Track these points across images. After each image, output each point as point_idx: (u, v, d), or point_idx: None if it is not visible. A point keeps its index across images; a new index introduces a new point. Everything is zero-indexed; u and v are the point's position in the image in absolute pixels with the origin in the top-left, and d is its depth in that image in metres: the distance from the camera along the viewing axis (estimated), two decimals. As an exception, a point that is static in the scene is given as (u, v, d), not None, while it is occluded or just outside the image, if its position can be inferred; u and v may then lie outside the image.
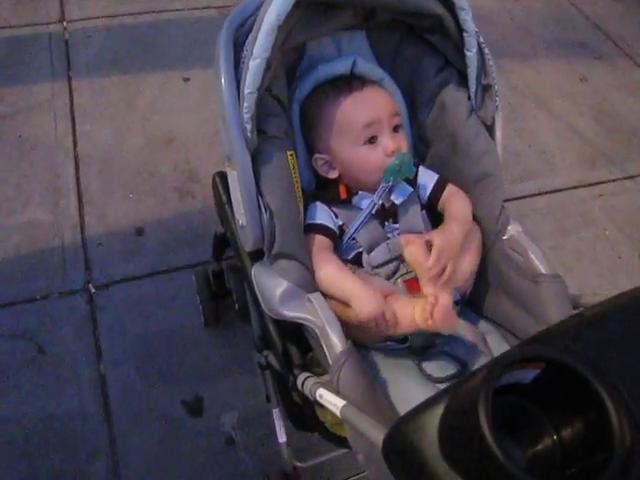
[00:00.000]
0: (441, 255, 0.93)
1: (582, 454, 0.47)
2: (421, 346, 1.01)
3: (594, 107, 2.43)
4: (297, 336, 0.99)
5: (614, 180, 2.22)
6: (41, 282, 1.66)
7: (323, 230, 1.01)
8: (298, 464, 1.33)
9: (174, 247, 1.80)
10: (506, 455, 0.43)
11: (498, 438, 0.43)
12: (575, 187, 2.18)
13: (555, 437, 0.50)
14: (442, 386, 0.94)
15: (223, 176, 1.10)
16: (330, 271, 0.95)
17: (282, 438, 1.30)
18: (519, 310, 0.99)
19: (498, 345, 1.01)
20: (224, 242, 1.43)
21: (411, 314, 0.91)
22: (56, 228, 1.78)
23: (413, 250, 0.94)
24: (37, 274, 1.68)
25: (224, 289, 1.56)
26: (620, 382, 0.46)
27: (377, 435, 0.57)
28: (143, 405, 1.49)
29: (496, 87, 1.03)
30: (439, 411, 0.49)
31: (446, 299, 0.90)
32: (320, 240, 1.00)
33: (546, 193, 2.15)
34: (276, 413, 1.29)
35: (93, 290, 1.67)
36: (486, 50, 1.02)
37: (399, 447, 0.51)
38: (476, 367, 0.97)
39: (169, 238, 1.82)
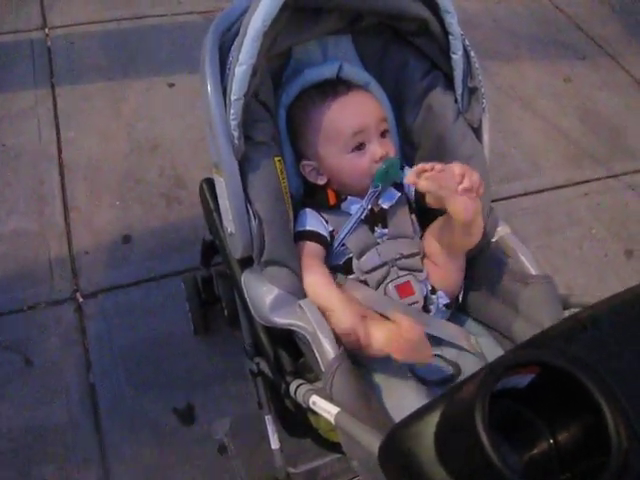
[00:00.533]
0: (463, 170, 0.86)
1: (579, 458, 0.47)
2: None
3: (578, 107, 2.45)
4: (288, 342, 0.99)
5: (599, 179, 2.23)
6: (28, 292, 1.64)
7: (314, 237, 1.01)
8: (291, 470, 1.33)
9: (162, 254, 1.78)
10: (503, 461, 0.43)
11: (495, 444, 0.43)
12: (561, 187, 2.20)
13: (551, 441, 0.50)
14: (435, 389, 0.94)
15: (210, 183, 1.10)
16: (314, 281, 0.95)
17: (275, 445, 1.29)
18: (510, 312, 0.99)
19: (490, 347, 1.01)
20: (212, 248, 1.42)
21: (382, 338, 0.87)
22: (42, 237, 1.76)
23: (434, 177, 0.87)
24: (23, 284, 1.66)
25: (213, 296, 1.55)
26: (616, 385, 0.46)
27: (372, 442, 0.57)
28: (134, 414, 1.47)
29: (482, 89, 1.04)
30: (435, 418, 0.49)
31: (412, 331, 0.83)
32: (310, 247, 1.00)
33: (532, 193, 2.16)
34: (268, 420, 1.29)
35: (81, 299, 1.65)
36: (472, 53, 1.03)
37: (395, 454, 0.51)
38: (468, 370, 0.97)
39: (157, 245, 1.80)
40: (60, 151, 1.97)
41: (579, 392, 0.46)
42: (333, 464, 1.43)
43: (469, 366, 0.98)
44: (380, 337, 0.87)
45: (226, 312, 1.46)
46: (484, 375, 0.46)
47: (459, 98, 1.05)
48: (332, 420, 0.74)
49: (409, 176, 0.89)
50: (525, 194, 2.15)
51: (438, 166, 0.87)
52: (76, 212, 1.84)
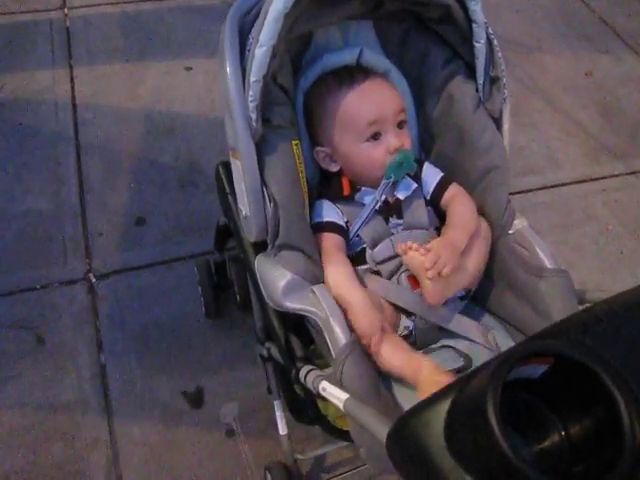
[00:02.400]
0: (438, 256, 0.91)
1: (591, 451, 0.46)
2: (424, 338, 1.00)
3: (599, 102, 2.41)
4: (300, 328, 0.98)
5: (617, 175, 2.20)
6: (41, 271, 1.66)
7: (334, 228, 1.00)
8: (299, 456, 1.33)
9: (175, 238, 1.79)
10: (514, 450, 0.42)
11: (506, 433, 0.43)
12: (578, 182, 2.17)
13: (563, 433, 0.49)
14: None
15: (227, 166, 1.09)
16: (337, 275, 0.94)
17: (283, 430, 1.30)
18: (524, 305, 0.98)
19: (503, 340, 1.00)
20: (226, 232, 1.42)
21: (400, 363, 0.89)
22: (57, 217, 1.77)
23: (412, 255, 0.93)
24: (37, 263, 1.67)
25: (226, 280, 1.55)
26: (630, 378, 0.45)
27: (381, 429, 0.57)
28: (143, 396, 1.48)
29: (504, 79, 1.02)
30: (445, 406, 0.48)
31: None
32: (332, 239, 0.99)
33: (549, 187, 2.14)
34: (277, 405, 1.29)
35: (94, 280, 1.66)
36: (495, 42, 1.01)
37: (404, 442, 0.51)
38: (480, 361, 0.96)
39: (170, 228, 1.81)
40: (77, 132, 1.98)
41: (593, 385, 0.45)
42: (341, 452, 1.44)
43: (481, 358, 0.97)
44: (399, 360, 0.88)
45: (238, 297, 1.46)
46: (497, 364, 0.45)
47: (480, 87, 1.04)
48: (341, 406, 0.73)
49: (398, 244, 0.97)
50: (542, 188, 2.13)
51: (422, 250, 0.92)
52: (91, 193, 1.85)
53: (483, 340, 1.00)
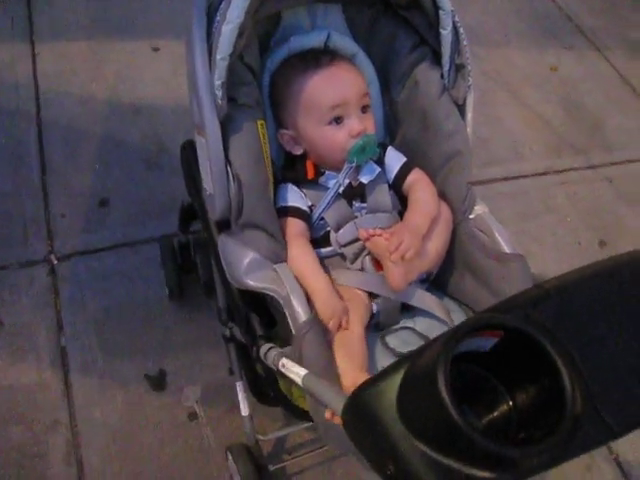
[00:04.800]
0: (401, 241, 0.93)
1: (536, 418, 0.49)
2: (387, 320, 1.02)
3: (563, 97, 2.47)
4: (262, 308, 0.99)
5: (577, 169, 2.26)
6: (0, 252, 1.62)
7: (298, 213, 1.01)
8: (260, 437, 1.34)
9: (139, 220, 1.77)
10: (463, 417, 0.44)
11: (455, 400, 0.44)
12: (540, 174, 2.22)
13: (511, 403, 0.51)
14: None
15: (192, 145, 1.09)
16: (300, 259, 0.95)
17: (245, 411, 1.30)
18: (483, 289, 1.01)
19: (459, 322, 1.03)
20: (191, 213, 1.42)
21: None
22: (17, 197, 1.73)
23: (376, 240, 0.95)
24: (-4, 243, 1.63)
25: (190, 262, 1.54)
26: (574, 350, 0.47)
27: (338, 403, 0.58)
28: (104, 378, 1.47)
29: (469, 67, 1.04)
30: (398, 378, 0.50)
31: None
32: (295, 224, 1.00)
33: (511, 179, 2.18)
34: (239, 386, 1.30)
35: (55, 261, 1.63)
36: (461, 29, 1.02)
37: (358, 413, 0.52)
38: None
39: (134, 210, 1.78)
40: (39, 110, 1.93)
41: (539, 356, 0.47)
42: (302, 433, 1.45)
43: (439, 339, 0.99)
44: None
45: (202, 280, 1.45)
46: (448, 336, 0.47)
47: (446, 74, 1.05)
48: (300, 382, 0.74)
49: (361, 231, 0.98)
50: (505, 179, 2.18)
51: (385, 235, 0.94)
52: (53, 173, 1.81)
53: (446, 318, 1.02)
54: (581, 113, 2.43)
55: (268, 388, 1.05)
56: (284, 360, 0.81)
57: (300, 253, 0.96)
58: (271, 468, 1.32)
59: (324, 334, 0.86)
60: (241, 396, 1.29)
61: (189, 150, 1.13)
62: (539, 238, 2.03)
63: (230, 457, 1.32)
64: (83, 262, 1.65)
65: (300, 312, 0.85)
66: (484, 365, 0.51)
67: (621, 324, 0.50)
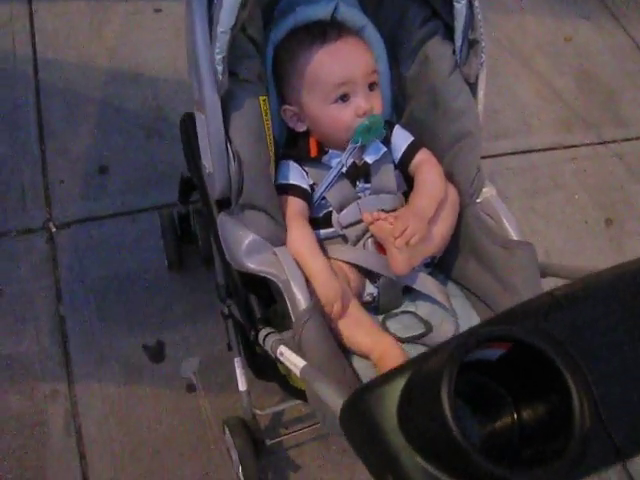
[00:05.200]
0: (406, 225, 0.90)
1: (541, 436, 0.47)
2: (387, 303, 1.00)
3: (576, 68, 2.40)
4: (261, 287, 0.97)
5: (588, 144, 2.21)
6: (-2, 219, 1.59)
7: (298, 192, 0.98)
8: (258, 412, 1.34)
9: (139, 188, 1.73)
10: (462, 432, 0.42)
11: (457, 415, 0.42)
12: (549, 149, 2.17)
13: (515, 416, 0.49)
14: (406, 346, 0.94)
15: (192, 118, 1.05)
16: (299, 240, 0.93)
17: (243, 387, 1.30)
18: (487, 275, 0.98)
19: (463, 309, 1.01)
20: (191, 185, 1.38)
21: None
22: (14, 162, 1.69)
23: (380, 224, 0.92)
24: (-7, 211, 1.61)
25: (189, 233, 1.52)
26: (586, 367, 0.45)
27: (336, 401, 0.56)
28: (103, 348, 1.46)
29: (483, 43, 0.99)
30: (401, 383, 0.48)
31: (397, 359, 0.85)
32: (295, 203, 0.97)
33: (520, 153, 2.13)
34: (237, 362, 1.29)
35: (53, 229, 1.61)
36: (476, 2, 0.97)
37: (357, 417, 0.50)
38: (440, 327, 0.97)
39: (134, 178, 1.75)
40: (37, 72, 1.87)
41: (548, 370, 0.45)
42: (299, 408, 1.45)
43: (441, 324, 0.98)
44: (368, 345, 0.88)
45: (202, 251, 1.43)
46: (454, 346, 0.44)
47: (458, 50, 1.01)
48: (298, 373, 0.73)
49: (365, 214, 0.95)
50: (513, 153, 2.13)
51: (390, 219, 0.92)
52: (52, 139, 1.76)
53: (447, 303, 1.00)
54: (595, 86, 2.36)
55: (266, 367, 1.04)
56: (282, 348, 0.79)
57: (299, 235, 0.93)
58: (268, 442, 1.33)
59: (325, 321, 0.84)
60: (239, 372, 1.29)
61: (189, 123, 1.10)
62: (546, 215, 2.00)
63: (227, 431, 1.32)
64: (82, 230, 1.63)
65: (300, 299, 0.83)
66: (490, 372, 0.49)
67: (635, 337, 0.47)
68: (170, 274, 1.59)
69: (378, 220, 0.92)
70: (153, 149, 1.81)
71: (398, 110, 1.12)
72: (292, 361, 0.76)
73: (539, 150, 2.15)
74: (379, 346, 0.86)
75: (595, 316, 0.48)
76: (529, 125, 2.21)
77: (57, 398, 1.38)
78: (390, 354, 0.84)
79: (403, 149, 1.05)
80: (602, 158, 2.19)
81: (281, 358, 0.80)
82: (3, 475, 1.29)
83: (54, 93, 1.85)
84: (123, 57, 1.98)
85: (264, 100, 0.91)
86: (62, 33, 1.98)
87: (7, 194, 1.64)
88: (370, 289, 0.99)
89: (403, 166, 1.05)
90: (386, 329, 0.97)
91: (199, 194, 1.10)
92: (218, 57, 0.83)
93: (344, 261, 0.96)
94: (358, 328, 0.88)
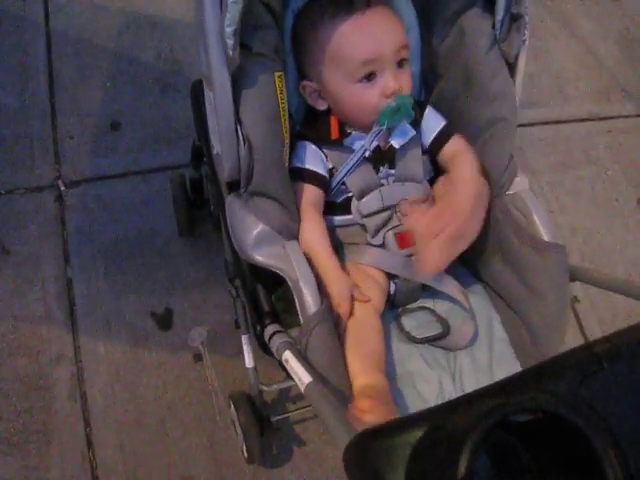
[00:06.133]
0: (446, 223, 0.84)
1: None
2: (405, 299, 0.95)
3: (621, 32, 2.23)
4: (269, 274, 0.91)
5: (626, 116, 2.07)
6: (5, 174, 1.54)
7: (314, 178, 0.91)
8: (264, 388, 1.31)
9: (152, 146, 1.67)
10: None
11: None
12: (584, 120, 2.04)
13: (538, 481, 0.44)
14: (420, 347, 0.89)
15: (203, 86, 0.97)
16: (310, 235, 0.86)
17: (250, 363, 1.26)
18: (512, 275, 0.91)
19: (483, 307, 0.95)
20: (203, 153, 1.31)
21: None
22: (23, 115, 1.63)
23: (417, 218, 0.86)
24: (1, 166, 1.55)
25: (201, 198, 1.46)
26: (625, 442, 0.39)
27: (341, 435, 0.52)
28: (110, 313, 1.44)
29: (527, 18, 0.89)
30: (414, 436, 0.43)
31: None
32: (310, 193, 0.90)
33: (552, 123, 2.01)
34: (245, 339, 1.25)
35: (62, 187, 1.56)
36: (523, -29, 0.86)
37: (362, 463, 0.45)
38: (458, 331, 0.91)
39: (147, 135, 1.68)
40: (48, 19, 1.78)
41: (582, 443, 0.39)
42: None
43: (460, 326, 0.92)
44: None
45: (213, 216, 1.37)
46: (483, 414, 0.39)
47: (498, 24, 0.90)
48: (302, 388, 0.68)
49: (403, 204, 0.90)
50: (545, 123, 2.01)
51: (430, 214, 0.87)
52: (62, 91, 1.69)
53: (466, 303, 0.94)
54: (639, 54, 2.20)
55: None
56: (288, 354, 0.75)
57: (311, 229, 0.87)
58: (273, 419, 1.31)
59: (333, 327, 0.79)
60: (246, 348, 1.25)
61: (199, 90, 1.01)
62: (575, 191, 1.90)
63: (232, 405, 1.30)
64: (91, 189, 1.58)
65: (310, 302, 0.77)
66: (516, 432, 0.44)
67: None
68: (180, 239, 1.55)
69: (415, 214, 0.85)
70: (168, 105, 1.73)
71: (427, 87, 1.02)
72: (297, 373, 0.71)
73: (573, 120, 2.03)
74: (368, 379, 0.78)
75: (637, 377, 0.42)
76: (564, 93, 2.08)
77: (63, 362, 1.37)
78: (378, 400, 0.76)
79: (434, 134, 0.96)
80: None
81: (285, 365, 0.75)
82: (9, 437, 1.29)
83: (65, 41, 1.76)
84: (139, 4, 1.87)
85: (280, 76, 0.82)
86: (75, -25, 1.87)
87: (15, 148, 1.59)
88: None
89: (433, 152, 0.97)
90: (401, 327, 0.91)
91: (208, 168, 1.03)
92: (228, 30, 0.73)
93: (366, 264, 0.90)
94: (357, 350, 0.81)
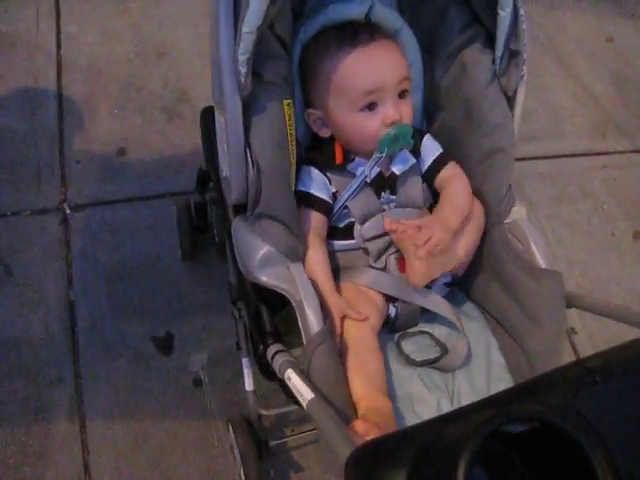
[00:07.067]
0: (431, 235, 0.87)
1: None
2: (405, 322, 0.96)
3: (615, 71, 2.30)
4: (273, 294, 0.93)
5: (621, 152, 2.13)
6: (12, 197, 1.57)
7: (319, 205, 0.94)
8: (263, 412, 1.31)
9: (157, 172, 1.70)
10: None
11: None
12: (580, 155, 2.09)
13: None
14: (419, 370, 0.90)
15: (213, 112, 1.00)
16: (312, 263, 0.89)
17: (249, 386, 1.27)
18: (510, 301, 0.93)
19: (480, 332, 0.97)
20: (209, 177, 1.34)
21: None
22: (32, 139, 1.67)
23: (403, 232, 0.88)
24: (8, 188, 1.58)
25: (205, 222, 1.48)
26: (617, 452, 0.41)
27: (342, 448, 0.53)
28: (111, 337, 1.44)
29: (525, 55, 0.93)
30: (413, 449, 0.44)
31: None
32: (314, 218, 0.93)
33: (550, 157, 2.06)
34: (245, 362, 1.26)
35: (68, 211, 1.58)
36: (522, 11, 0.90)
37: (361, 475, 0.46)
38: (454, 350, 0.92)
39: (152, 162, 1.71)
40: (59, 47, 1.83)
41: (576, 453, 0.41)
42: (303, 410, 1.43)
43: (457, 348, 0.93)
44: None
45: (217, 240, 1.39)
46: (480, 423, 0.40)
47: (497, 60, 0.94)
48: (304, 405, 0.69)
49: (387, 220, 0.92)
50: (543, 157, 2.05)
51: (413, 227, 0.89)
52: (71, 116, 1.73)
53: (457, 323, 0.96)
54: (633, 92, 2.26)
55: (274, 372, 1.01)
56: (290, 372, 0.76)
57: (314, 256, 0.90)
58: (272, 443, 1.31)
59: (336, 348, 0.80)
60: (246, 371, 1.26)
61: (209, 116, 1.05)
62: (572, 224, 1.93)
63: (231, 429, 1.30)
64: (96, 213, 1.60)
65: (313, 321, 0.79)
66: (512, 442, 0.45)
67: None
68: (183, 264, 1.56)
69: (400, 228, 0.87)
70: (173, 133, 1.77)
71: (429, 118, 1.06)
72: (299, 390, 0.72)
73: (569, 156, 2.08)
74: (372, 403, 0.79)
75: (631, 393, 0.44)
76: (561, 128, 2.13)
77: (62, 385, 1.37)
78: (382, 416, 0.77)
79: (431, 160, 1.00)
80: (635, 167, 2.11)
81: (288, 383, 0.76)
82: (5, 459, 1.28)
83: (75, 69, 1.81)
84: (148, 34, 1.93)
85: (288, 104, 0.86)
86: (87, 6, 1.94)
87: (22, 171, 1.62)
88: (389, 309, 0.94)
89: (429, 178, 1.00)
90: (400, 350, 0.93)
91: (215, 192, 1.06)
92: (242, 58, 0.77)
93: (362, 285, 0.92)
94: (360, 374, 0.82)
